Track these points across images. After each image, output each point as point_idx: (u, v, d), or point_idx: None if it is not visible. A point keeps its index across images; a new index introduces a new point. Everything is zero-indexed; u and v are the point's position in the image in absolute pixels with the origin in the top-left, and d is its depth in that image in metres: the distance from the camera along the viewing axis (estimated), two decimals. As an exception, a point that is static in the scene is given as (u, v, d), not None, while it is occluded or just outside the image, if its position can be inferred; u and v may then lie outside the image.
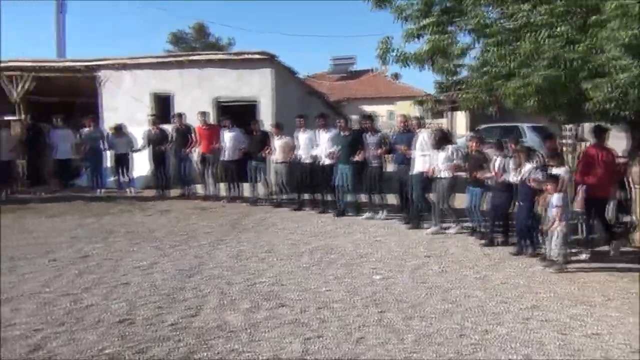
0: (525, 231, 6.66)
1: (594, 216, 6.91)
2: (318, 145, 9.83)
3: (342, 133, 9.52)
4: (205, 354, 3.63)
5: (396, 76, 36.66)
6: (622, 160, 7.51)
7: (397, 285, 5.30)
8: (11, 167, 11.40)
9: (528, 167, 6.62)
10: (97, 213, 9.31)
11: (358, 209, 9.54)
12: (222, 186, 11.22)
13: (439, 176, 7.99)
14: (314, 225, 8.54)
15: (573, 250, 6.49)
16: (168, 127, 11.98)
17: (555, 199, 5.96)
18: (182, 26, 44.49)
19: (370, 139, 9.17)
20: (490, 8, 7.62)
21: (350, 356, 3.65)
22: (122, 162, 11.83)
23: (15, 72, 14.95)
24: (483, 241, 7.29)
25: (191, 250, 6.64)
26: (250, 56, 13.03)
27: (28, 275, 5.41)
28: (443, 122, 21.30)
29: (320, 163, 9.78)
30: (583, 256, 6.56)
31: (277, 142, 10.35)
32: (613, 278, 5.68)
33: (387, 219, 9.06)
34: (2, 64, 15.27)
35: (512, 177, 6.90)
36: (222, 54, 14.73)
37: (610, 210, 7.28)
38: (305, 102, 15.54)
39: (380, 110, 29.87)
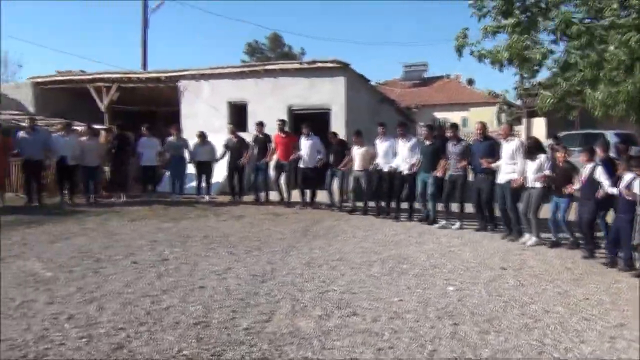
0: (627, 243, 6.25)
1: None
2: (397, 154, 9.82)
3: (425, 142, 9.44)
4: (277, 360, 3.66)
5: (470, 82, 35.85)
6: None
7: (472, 297, 5.15)
8: (98, 173, 12.11)
9: (629, 176, 6.24)
10: (175, 218, 9.69)
11: (433, 218, 9.42)
12: (297, 193, 11.40)
13: (529, 186, 7.71)
14: (384, 234, 8.46)
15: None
16: (246, 135, 12.33)
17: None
18: (259, 37, 45.61)
19: (453, 148, 9.02)
20: (574, 6, 7.29)
21: (423, 369, 3.57)
22: (204, 169, 12.24)
23: (103, 84, 15.91)
24: (584, 254, 6.99)
25: (264, 256, 6.75)
26: (323, 65, 13.20)
27: (112, 276, 5.69)
28: (520, 129, 20.57)
29: (399, 171, 9.77)
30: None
31: (357, 151, 10.45)
32: None
33: (461, 229, 8.87)
34: (91, 76, 16.30)
35: (609, 188, 6.53)
36: (297, 63, 14.97)
37: None
38: (377, 110, 15.52)
39: (453, 117, 29.27)
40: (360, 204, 10.79)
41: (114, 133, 12.88)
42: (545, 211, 7.89)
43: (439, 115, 31.94)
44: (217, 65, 14.63)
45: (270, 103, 13.59)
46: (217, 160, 12.16)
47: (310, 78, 13.38)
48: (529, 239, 7.78)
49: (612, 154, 7.86)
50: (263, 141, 11.73)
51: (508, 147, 8.08)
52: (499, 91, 18.57)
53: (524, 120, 21.20)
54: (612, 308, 4.88)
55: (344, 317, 4.49)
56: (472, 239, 8.16)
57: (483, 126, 8.84)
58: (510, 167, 8.00)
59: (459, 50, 8.13)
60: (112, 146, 12.24)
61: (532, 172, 7.65)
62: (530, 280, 5.81)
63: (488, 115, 24.97)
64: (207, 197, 12.15)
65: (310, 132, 11.10)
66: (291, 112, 13.45)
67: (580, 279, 5.91)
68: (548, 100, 7.82)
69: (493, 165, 8.21)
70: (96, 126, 13.42)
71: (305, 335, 4.07)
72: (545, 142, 10.54)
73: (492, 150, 8.36)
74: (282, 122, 11.67)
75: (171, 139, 12.43)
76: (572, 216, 7.52)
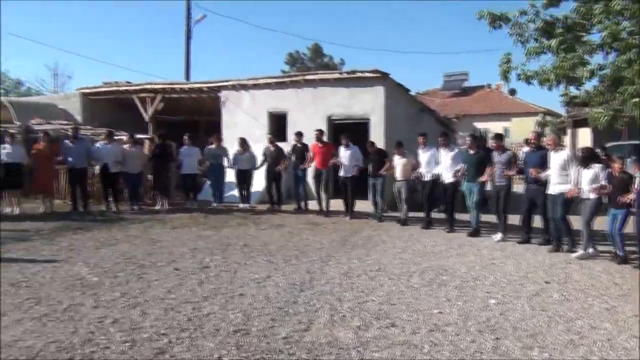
0: None
1: None
2: (440, 163, 9.78)
3: (469, 151, 9.36)
4: (316, 369, 3.66)
5: (512, 92, 35.18)
6: None
7: (514, 311, 5.03)
8: (141, 181, 12.43)
9: None
10: (215, 226, 9.83)
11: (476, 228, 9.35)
12: (336, 202, 11.44)
13: (584, 197, 7.52)
14: (424, 245, 8.37)
15: None
16: (284, 145, 12.47)
17: None
18: (300, 47, 46.03)
19: (498, 157, 8.90)
20: (621, 18, 7.10)
21: (464, 384, 3.50)
22: (245, 178, 12.41)
23: (148, 94, 16.35)
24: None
25: (303, 265, 6.78)
26: (363, 75, 13.20)
27: (155, 282, 5.82)
28: (565, 139, 20.07)
29: (442, 181, 9.73)
30: None
31: (398, 161, 10.45)
32: None
33: (503, 241, 8.71)
34: (137, 87, 16.78)
35: None
36: (336, 72, 15.03)
37: None
38: (417, 119, 15.41)
39: (494, 127, 28.79)
40: (399, 214, 10.74)
41: (155, 142, 13.21)
42: (601, 223, 7.68)
43: (480, 125, 31.46)
44: (257, 75, 14.84)
45: (309, 113, 13.68)
46: (256, 168, 12.31)
47: (350, 88, 13.41)
48: (584, 251, 7.57)
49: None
50: (301, 150, 11.86)
51: (558, 158, 7.89)
52: (543, 106, 18.20)
53: (569, 131, 20.68)
54: (664, 326, 4.69)
55: (383, 328, 4.46)
56: (515, 251, 7.99)
57: (537, 136, 8.67)
58: (561, 177, 7.80)
59: (505, 75, 8.07)
60: (153, 154, 12.55)
61: (587, 182, 7.44)
62: (576, 295, 5.64)
63: (531, 125, 24.47)
64: (247, 206, 12.30)
65: (350, 142, 11.13)
66: (330, 122, 13.50)
67: (629, 295, 5.70)
68: (602, 118, 7.63)
69: (542, 175, 8.03)
70: (140, 135, 13.80)
71: (343, 345, 4.05)
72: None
73: (545, 160, 8.17)
74: (320, 131, 11.76)
75: (212, 147, 12.65)
76: (629, 228, 7.28)
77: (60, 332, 4.21)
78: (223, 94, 15.16)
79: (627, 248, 7.32)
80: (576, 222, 7.82)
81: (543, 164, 8.14)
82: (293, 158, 11.91)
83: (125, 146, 12.16)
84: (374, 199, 11.03)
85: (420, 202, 10.56)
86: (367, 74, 13.13)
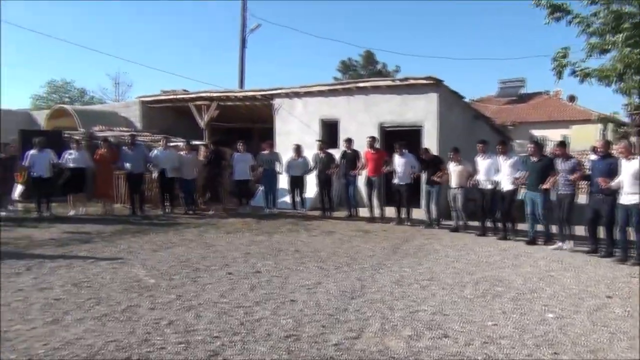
0: None
1: None
2: (499, 171, 9.59)
3: (531, 158, 9.14)
4: (366, 378, 3.64)
5: (572, 98, 33.99)
6: None
7: (574, 326, 4.83)
8: (194, 185, 12.78)
9: None
10: (267, 231, 9.95)
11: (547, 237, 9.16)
12: (388, 209, 11.39)
13: None
14: (477, 255, 8.18)
15: None
16: (335, 152, 12.52)
17: None
18: (353, 55, 46.07)
19: (562, 165, 8.64)
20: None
21: (520, 399, 3.39)
22: (298, 184, 12.54)
23: (203, 102, 16.79)
24: None
25: (353, 272, 6.75)
26: (416, 81, 13.09)
27: (208, 285, 5.94)
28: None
29: (500, 189, 9.53)
30: None
31: (454, 168, 10.33)
32: None
33: (561, 250, 8.43)
34: (193, 95, 17.27)
35: None
36: (389, 80, 14.96)
37: None
38: (471, 127, 15.12)
39: (552, 134, 27.82)
40: (451, 222, 10.59)
41: (209, 148, 13.56)
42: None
43: (537, 133, 30.52)
44: (310, 83, 14.97)
45: (361, 120, 13.67)
46: (306, 173, 12.41)
47: (403, 95, 13.31)
48: None
49: None
50: (352, 157, 11.87)
51: (630, 166, 7.53)
52: (608, 113, 17.48)
53: (634, 139, 19.78)
54: None
55: (435, 338, 4.38)
56: (574, 263, 7.68)
57: (606, 144, 8.34)
58: (634, 187, 7.45)
59: (559, 72, 7.74)
60: (207, 160, 12.87)
61: None
62: (641, 311, 5.36)
63: (592, 133, 23.54)
64: (300, 211, 12.41)
65: (405, 149, 11.08)
66: (382, 129, 13.44)
67: (700, 313, 5.37)
68: None
69: (613, 184, 7.70)
70: (195, 142, 14.18)
71: (395, 355, 4.01)
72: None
73: (614, 169, 7.83)
74: (372, 138, 11.75)
75: (265, 153, 12.84)
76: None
77: (119, 332, 4.36)
78: (276, 102, 15.38)
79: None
80: None
81: (612, 173, 7.79)
82: (343, 164, 11.93)
83: (182, 152, 12.54)
84: (427, 206, 10.91)
85: (475, 211, 10.36)
86: (421, 81, 13.01)
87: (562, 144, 9.25)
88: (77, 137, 13.42)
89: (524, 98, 36.51)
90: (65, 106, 20.78)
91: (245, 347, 4.08)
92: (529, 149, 9.40)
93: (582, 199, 9.54)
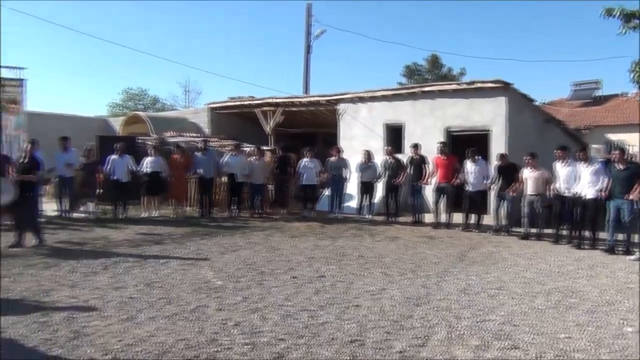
0: None
1: None
2: (579, 178, 9.20)
3: (616, 166, 8.74)
4: (432, 386, 3.57)
5: (653, 100, 32.03)
6: None
7: (656, 342, 4.55)
8: (263, 190, 13.05)
9: None
10: (332, 236, 9.99)
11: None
12: (455, 215, 11.19)
13: None
14: (549, 264, 7.85)
15: None
16: (401, 157, 12.43)
17: None
18: (417, 58, 45.53)
19: None
20: None
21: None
22: (368, 189, 12.51)
23: (269, 108, 17.12)
24: None
25: (418, 279, 6.66)
26: (483, 85, 12.79)
27: (274, 288, 6.04)
28: None
29: (582, 196, 9.15)
30: None
31: (530, 174, 10.00)
32: None
33: (638, 262, 7.95)
34: (259, 101, 17.65)
35: None
36: (455, 83, 14.69)
37: None
38: (542, 131, 14.57)
39: (630, 139, 26.32)
40: (521, 229, 10.23)
41: (277, 154, 13.81)
42: None
43: (613, 137, 28.95)
44: (374, 88, 14.94)
45: (427, 124, 13.50)
46: (377, 179, 12.36)
47: (470, 99, 13.04)
48: None
49: None
50: (419, 162, 11.73)
51: None
52: None
53: None
54: None
55: (504, 349, 4.24)
56: (656, 275, 7.23)
57: None
58: None
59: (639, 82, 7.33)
60: (275, 166, 13.11)
61: None
62: None
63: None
64: (368, 217, 12.40)
65: (478, 156, 10.85)
66: (449, 133, 13.21)
67: None
68: None
69: None
70: (262, 147, 14.47)
71: (461, 364, 3.92)
72: None
73: None
74: (443, 144, 11.60)
75: (332, 159, 12.93)
76: None
77: (188, 331, 4.51)
78: (340, 107, 15.44)
79: None
80: None
81: None
82: (411, 171, 11.80)
83: (252, 158, 12.86)
84: (496, 212, 10.60)
85: (549, 218, 9.94)
86: (488, 84, 12.69)
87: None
88: (154, 143, 14.04)
89: (599, 101, 34.76)
90: (139, 113, 21.78)
91: (310, 351, 4.11)
92: (614, 156, 8.97)
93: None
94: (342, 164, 12.83)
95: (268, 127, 17.12)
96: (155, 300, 5.46)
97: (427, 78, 38.37)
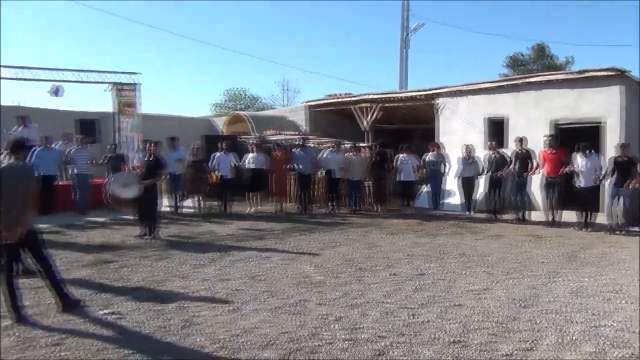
0: None
1: None
2: None
3: None
4: (542, 393, 3.40)
5: None
6: None
7: None
8: (360, 186, 13.09)
9: None
10: (430, 233, 9.80)
11: None
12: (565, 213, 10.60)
13: None
14: (675, 266, 7.18)
15: None
16: (505, 151, 11.94)
17: None
18: (521, 48, 43.34)
19: None
20: None
21: None
22: (470, 185, 12.16)
23: (366, 104, 17.11)
24: None
25: (525, 280, 6.36)
26: (595, 74, 11.94)
27: (373, 285, 6.04)
28: None
29: None
30: None
31: None
32: None
33: None
34: (355, 98, 17.70)
35: None
36: (563, 73, 13.85)
37: None
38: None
39: None
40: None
41: (375, 150, 13.80)
42: None
43: None
44: (474, 80, 14.45)
45: (531, 117, 12.84)
46: (480, 175, 11.95)
47: (579, 89, 12.23)
48: None
49: None
50: (524, 157, 11.16)
51: None
52: None
53: None
54: None
55: (623, 358, 3.94)
56: None
57: None
58: None
59: None
60: (373, 162, 13.10)
61: None
62: None
63: None
64: (469, 213, 12.05)
65: (590, 150, 10.18)
66: (556, 126, 12.47)
67: None
68: None
69: None
70: (359, 144, 14.52)
71: (574, 371, 3.70)
72: None
73: None
74: (552, 137, 10.98)
75: (430, 154, 12.69)
76: None
77: (290, 324, 4.63)
78: (439, 101, 15.09)
79: None
80: None
81: None
82: (516, 166, 11.25)
83: (349, 154, 12.97)
84: (611, 210, 9.84)
85: None
86: (601, 73, 11.83)
87: None
88: (256, 141, 14.57)
89: None
90: (240, 112, 22.64)
91: (411, 350, 4.07)
92: None
93: None
94: (441, 159, 12.56)
95: (365, 123, 17.12)
96: (259, 293, 5.66)
97: (532, 68, 36.42)
